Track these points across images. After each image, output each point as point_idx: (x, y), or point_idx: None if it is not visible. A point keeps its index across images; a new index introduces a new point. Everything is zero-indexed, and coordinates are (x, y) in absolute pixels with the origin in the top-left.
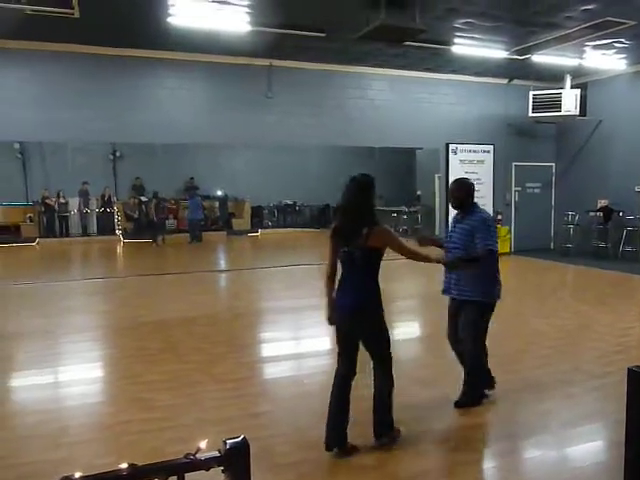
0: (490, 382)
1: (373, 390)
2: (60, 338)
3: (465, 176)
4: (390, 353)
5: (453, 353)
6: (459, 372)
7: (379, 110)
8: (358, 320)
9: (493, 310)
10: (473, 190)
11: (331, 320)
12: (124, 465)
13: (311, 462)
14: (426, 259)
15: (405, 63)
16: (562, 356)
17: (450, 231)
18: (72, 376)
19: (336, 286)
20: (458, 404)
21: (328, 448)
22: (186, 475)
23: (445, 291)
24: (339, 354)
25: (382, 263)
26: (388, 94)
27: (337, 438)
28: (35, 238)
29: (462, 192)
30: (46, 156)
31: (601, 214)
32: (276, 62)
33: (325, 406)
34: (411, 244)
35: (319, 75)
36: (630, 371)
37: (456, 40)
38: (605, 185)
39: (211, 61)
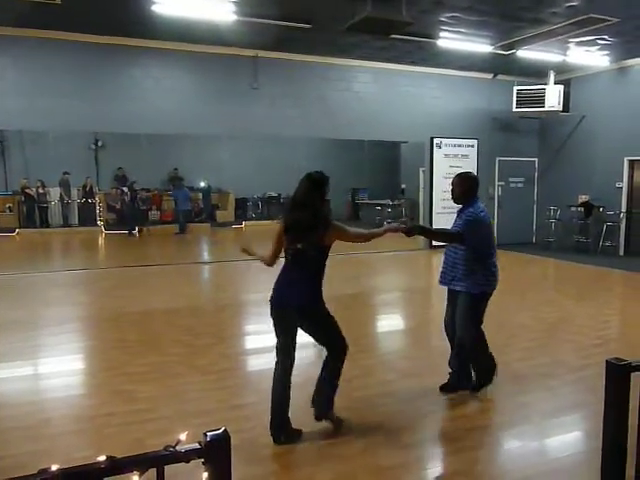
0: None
1: (321, 374)
2: (41, 330)
3: (466, 170)
4: (343, 338)
5: (447, 344)
6: (443, 364)
7: (364, 103)
8: (305, 318)
9: (484, 301)
10: (474, 186)
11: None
12: (102, 458)
13: (294, 453)
14: (385, 231)
15: (391, 56)
16: (543, 349)
17: (453, 226)
18: (53, 368)
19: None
20: (443, 388)
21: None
22: (166, 467)
23: (441, 282)
24: (278, 348)
25: (369, 256)
26: (373, 87)
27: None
28: (15, 228)
29: (461, 187)
30: (26, 145)
31: (582, 209)
32: (262, 53)
33: (308, 397)
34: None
35: (305, 67)
36: (608, 363)
37: (442, 34)
38: (586, 181)
39: (196, 51)
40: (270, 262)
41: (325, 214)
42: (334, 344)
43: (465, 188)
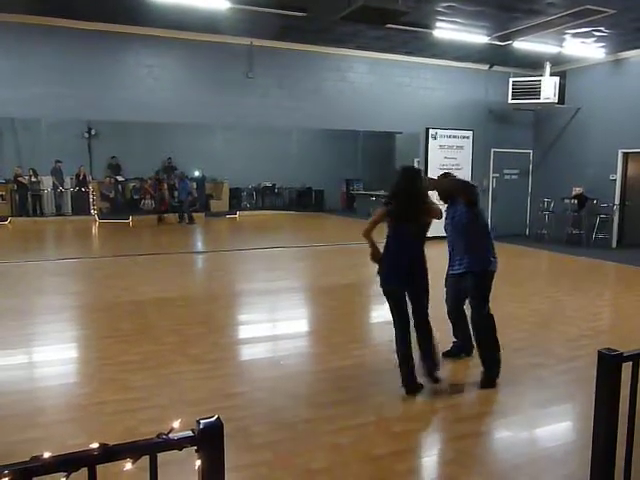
0: (470, 349)
1: (421, 341)
2: (34, 318)
3: (445, 164)
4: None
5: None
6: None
7: (359, 93)
8: (414, 282)
9: (486, 278)
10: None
11: (374, 258)
12: (95, 445)
13: (287, 442)
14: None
15: (386, 46)
16: (535, 340)
17: (445, 225)
18: (46, 357)
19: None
20: (482, 385)
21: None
22: (159, 455)
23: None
24: (396, 318)
25: (363, 247)
26: (369, 77)
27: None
28: (7, 217)
29: (444, 190)
30: (19, 133)
31: (575, 201)
32: (257, 42)
33: (301, 387)
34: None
35: (300, 56)
36: (600, 354)
37: (438, 24)
38: (580, 173)
39: (191, 39)
40: (369, 230)
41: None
42: (426, 310)
43: (448, 191)
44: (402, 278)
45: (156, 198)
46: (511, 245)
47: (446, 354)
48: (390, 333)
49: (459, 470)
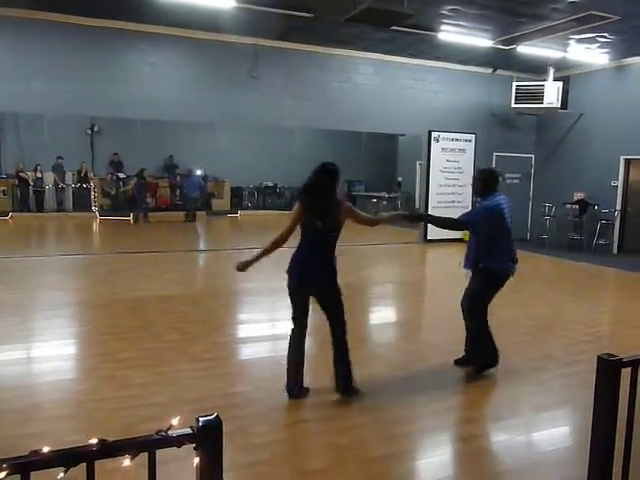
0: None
1: (333, 349)
2: (33, 314)
3: (447, 167)
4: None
5: (437, 337)
6: (432, 357)
7: (363, 94)
8: (323, 290)
9: (495, 279)
10: (492, 179)
11: (240, 268)
12: (94, 440)
13: (285, 442)
14: (390, 217)
15: (391, 48)
16: (534, 344)
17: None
18: (45, 352)
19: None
20: (457, 362)
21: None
22: (157, 452)
23: (464, 265)
24: (294, 317)
25: (363, 248)
26: (373, 78)
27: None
28: (8, 212)
29: (480, 181)
30: (21, 129)
31: (577, 207)
32: (262, 41)
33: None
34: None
35: (305, 57)
36: (599, 359)
37: (443, 27)
38: (582, 178)
39: (195, 37)
40: (282, 239)
41: (336, 196)
42: (341, 318)
43: (483, 182)
44: (300, 275)
45: (137, 198)
46: None
47: (457, 362)
48: (392, 335)
49: (457, 472)
